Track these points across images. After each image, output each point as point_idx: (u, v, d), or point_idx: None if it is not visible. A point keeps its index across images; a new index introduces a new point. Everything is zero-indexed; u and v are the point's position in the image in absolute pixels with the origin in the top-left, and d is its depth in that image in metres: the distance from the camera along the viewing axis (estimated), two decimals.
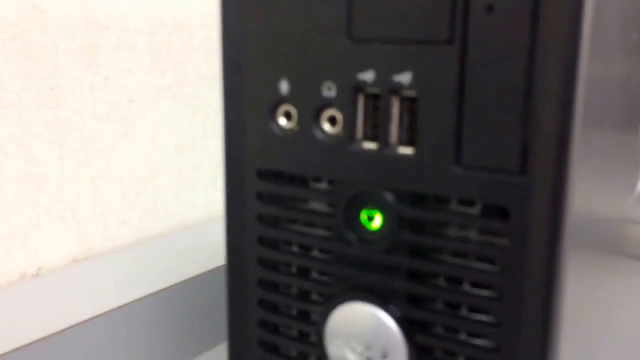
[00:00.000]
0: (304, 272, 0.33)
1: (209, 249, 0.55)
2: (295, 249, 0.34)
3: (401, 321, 0.30)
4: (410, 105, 0.29)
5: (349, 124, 0.30)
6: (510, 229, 0.27)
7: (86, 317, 0.44)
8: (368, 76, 0.29)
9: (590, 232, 0.30)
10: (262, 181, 0.33)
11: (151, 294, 0.48)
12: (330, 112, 0.30)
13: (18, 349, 0.40)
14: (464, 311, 0.29)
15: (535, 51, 0.25)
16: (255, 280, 0.34)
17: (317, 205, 0.33)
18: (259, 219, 0.33)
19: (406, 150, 0.29)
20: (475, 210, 0.29)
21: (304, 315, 0.34)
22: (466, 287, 0.29)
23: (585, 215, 0.29)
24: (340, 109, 0.30)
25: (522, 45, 0.26)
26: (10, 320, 0.44)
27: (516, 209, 0.27)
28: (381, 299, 0.31)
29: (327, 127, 0.31)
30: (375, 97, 0.29)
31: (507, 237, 0.27)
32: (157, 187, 0.61)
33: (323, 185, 0.32)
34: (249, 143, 0.33)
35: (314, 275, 0.33)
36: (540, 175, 0.26)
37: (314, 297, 0.33)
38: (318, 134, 0.31)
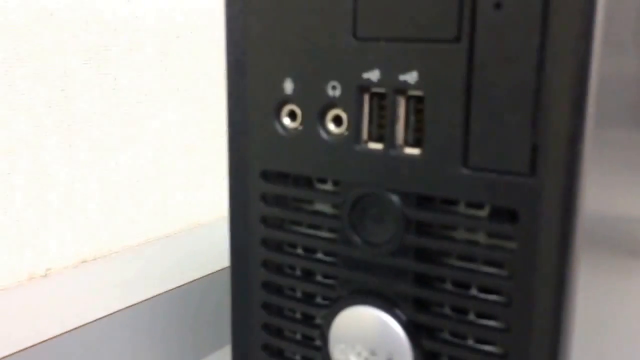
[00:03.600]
0: (308, 275, 0.33)
1: (217, 250, 0.55)
2: (299, 251, 0.33)
3: (407, 326, 0.30)
4: (417, 105, 0.28)
5: (355, 124, 0.29)
6: (519, 232, 0.26)
7: (94, 318, 0.44)
8: (373, 75, 0.28)
9: (603, 233, 0.30)
10: (267, 182, 0.32)
11: (158, 295, 0.47)
12: (335, 111, 0.30)
13: (25, 350, 0.40)
14: (471, 316, 0.29)
15: (545, 49, 0.25)
16: (259, 282, 0.34)
17: (321, 207, 0.32)
18: (263, 220, 0.33)
19: (413, 151, 0.28)
20: (483, 212, 0.28)
21: (308, 319, 0.33)
22: (474, 291, 0.29)
23: (598, 216, 0.29)
24: (346, 108, 0.30)
25: (532, 43, 0.25)
26: (18, 321, 0.44)
27: (525, 212, 0.26)
28: (387, 303, 0.30)
29: (332, 127, 0.30)
30: (381, 96, 0.29)
31: (516, 241, 0.27)
32: (166, 187, 0.61)
33: (328, 187, 0.32)
34: (253, 143, 0.32)
35: (319, 278, 0.33)
36: (550, 176, 0.25)
37: (319, 300, 0.33)
38: (323, 134, 0.30)
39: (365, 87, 0.29)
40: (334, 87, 0.29)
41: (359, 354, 0.31)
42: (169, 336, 0.48)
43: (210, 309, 0.51)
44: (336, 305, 0.31)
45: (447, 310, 0.29)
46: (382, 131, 0.29)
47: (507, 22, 0.25)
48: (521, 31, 0.25)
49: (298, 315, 0.34)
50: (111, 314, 0.44)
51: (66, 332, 0.42)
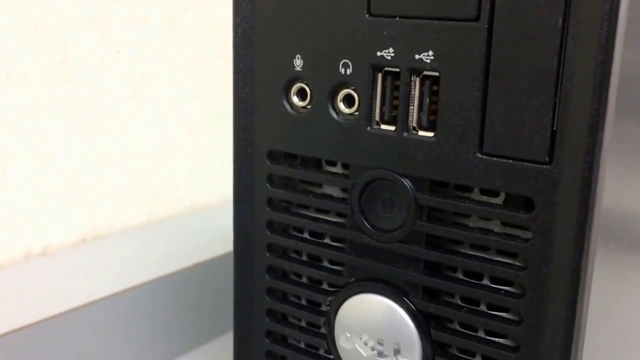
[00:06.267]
0: (315, 260, 0.32)
1: (221, 233, 0.54)
2: (306, 235, 0.32)
3: (416, 316, 0.29)
4: (432, 87, 0.27)
5: (366, 104, 0.28)
6: (534, 221, 0.26)
7: (91, 299, 0.43)
8: (387, 54, 0.28)
9: (621, 225, 0.29)
10: (273, 163, 0.32)
11: (158, 278, 0.47)
12: (347, 91, 0.29)
13: (19, 329, 0.39)
14: (483, 307, 0.28)
15: (567, 30, 0.24)
16: (264, 267, 0.33)
17: (330, 190, 0.31)
18: (269, 203, 0.32)
19: (426, 135, 0.27)
20: (498, 200, 0.27)
21: (313, 306, 0.33)
22: (486, 281, 0.28)
23: (617, 207, 0.28)
24: (357, 88, 0.29)
25: (553, 24, 0.24)
26: (13, 300, 0.43)
27: (542, 201, 0.25)
28: (396, 292, 0.29)
29: (342, 107, 0.29)
30: (395, 76, 0.28)
31: (531, 230, 0.26)
32: (169, 167, 0.60)
33: (337, 169, 0.31)
34: (259, 122, 0.31)
35: (326, 263, 0.32)
36: (568, 164, 0.25)
37: (325, 286, 0.32)
38: (333, 114, 0.29)
39: (379, 65, 0.28)
40: (345, 65, 0.29)
41: (365, 343, 0.30)
42: (169, 320, 0.48)
43: (213, 293, 0.50)
44: (343, 292, 0.31)
45: (457, 300, 0.29)
46: (395, 113, 0.28)
47: (528, 1, 0.24)
48: (542, 11, 0.24)
49: (303, 302, 0.33)
50: (110, 295, 0.44)
51: (62, 313, 0.41)
